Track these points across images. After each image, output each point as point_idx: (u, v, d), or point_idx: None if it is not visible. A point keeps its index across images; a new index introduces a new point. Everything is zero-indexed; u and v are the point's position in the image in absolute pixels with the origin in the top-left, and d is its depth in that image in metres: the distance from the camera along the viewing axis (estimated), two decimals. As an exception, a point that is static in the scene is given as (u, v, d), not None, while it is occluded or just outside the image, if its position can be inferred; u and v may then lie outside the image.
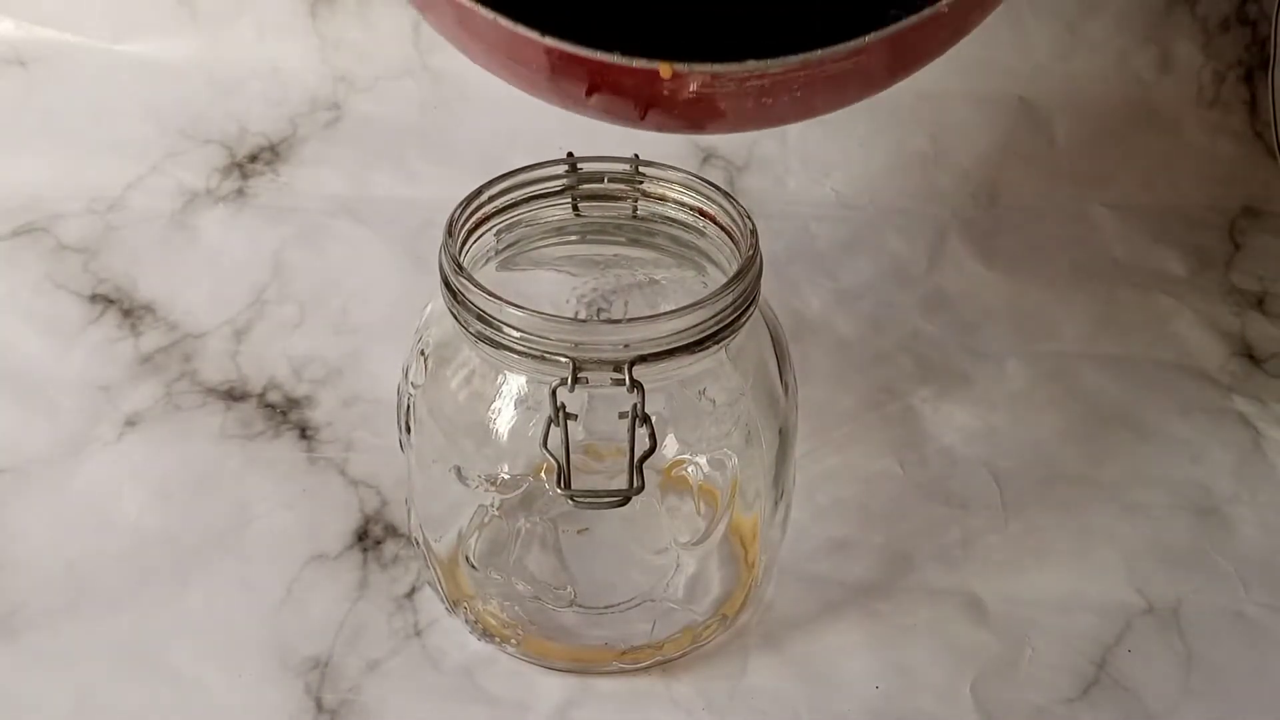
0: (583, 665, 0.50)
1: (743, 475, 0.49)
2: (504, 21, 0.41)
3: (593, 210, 0.51)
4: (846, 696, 0.50)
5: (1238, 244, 0.74)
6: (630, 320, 0.45)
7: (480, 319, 0.44)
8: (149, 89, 0.76)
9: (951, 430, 0.61)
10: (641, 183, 0.50)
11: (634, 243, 0.51)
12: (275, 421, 0.60)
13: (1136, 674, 0.51)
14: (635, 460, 0.43)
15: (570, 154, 0.50)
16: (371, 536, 0.55)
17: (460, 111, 0.77)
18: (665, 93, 0.42)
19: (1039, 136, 0.78)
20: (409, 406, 0.49)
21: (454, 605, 0.50)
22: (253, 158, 0.75)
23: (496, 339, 0.44)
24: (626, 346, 0.43)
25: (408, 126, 0.77)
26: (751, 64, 0.41)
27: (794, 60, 0.41)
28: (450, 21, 0.45)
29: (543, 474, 0.47)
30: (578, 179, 0.50)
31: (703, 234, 0.49)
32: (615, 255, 0.52)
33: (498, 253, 0.50)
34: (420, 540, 0.51)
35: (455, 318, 0.45)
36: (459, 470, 0.47)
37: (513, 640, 0.49)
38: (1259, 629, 0.53)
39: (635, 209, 0.51)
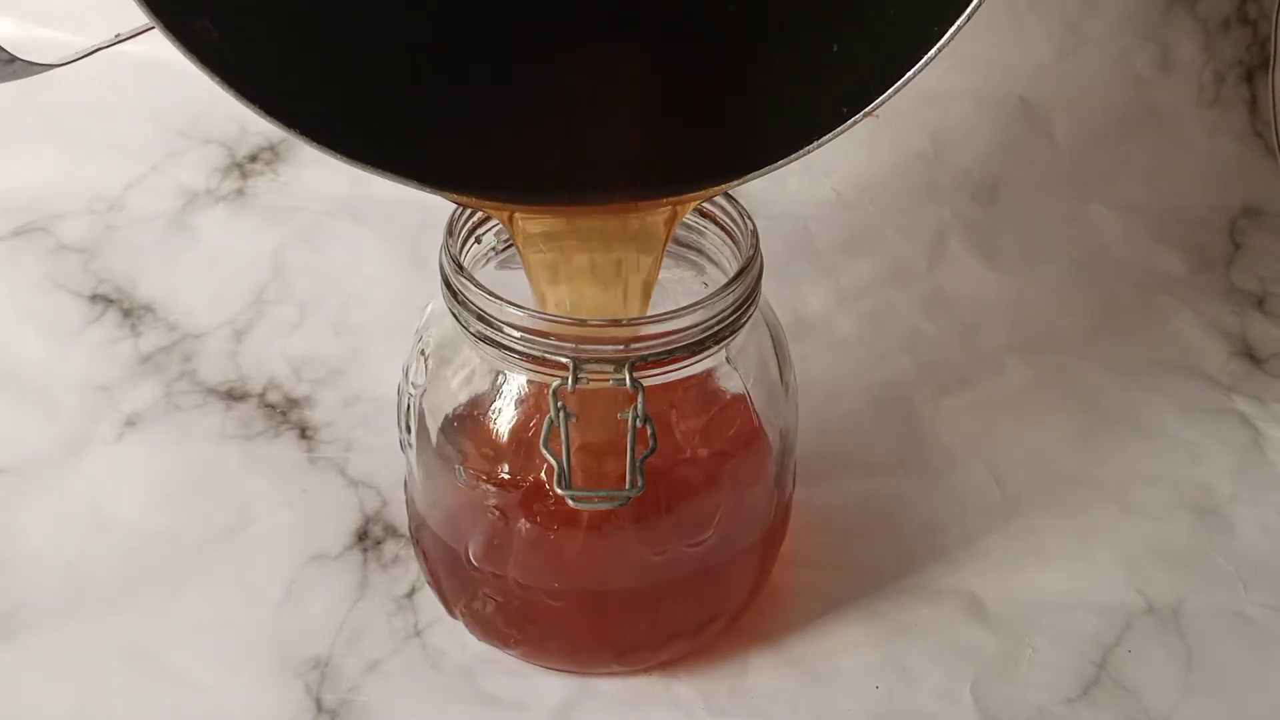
0: (582, 665, 0.50)
1: (742, 475, 0.49)
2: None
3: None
4: (846, 696, 0.50)
5: (1238, 244, 0.74)
6: (630, 320, 0.45)
7: (480, 319, 0.44)
8: (149, 89, 0.76)
9: (951, 430, 0.61)
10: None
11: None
12: (275, 421, 0.60)
13: (1136, 674, 0.51)
14: (635, 460, 0.43)
15: None
16: (371, 536, 0.55)
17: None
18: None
19: (1039, 136, 0.78)
20: (409, 406, 0.49)
21: (453, 606, 0.50)
22: (253, 158, 0.75)
23: (496, 339, 0.44)
24: (626, 346, 0.43)
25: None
26: None
27: None
28: None
29: (543, 474, 0.47)
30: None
31: (703, 234, 0.49)
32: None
33: (498, 253, 0.49)
34: (420, 540, 0.51)
35: (455, 318, 0.45)
36: (459, 470, 0.47)
37: (512, 640, 0.49)
38: (1259, 629, 0.53)
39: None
